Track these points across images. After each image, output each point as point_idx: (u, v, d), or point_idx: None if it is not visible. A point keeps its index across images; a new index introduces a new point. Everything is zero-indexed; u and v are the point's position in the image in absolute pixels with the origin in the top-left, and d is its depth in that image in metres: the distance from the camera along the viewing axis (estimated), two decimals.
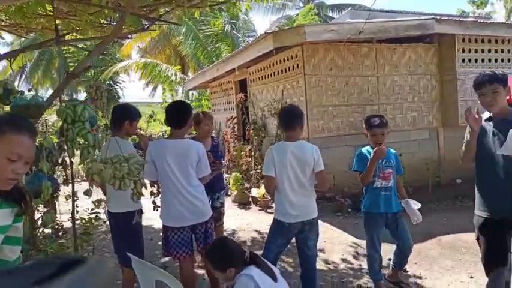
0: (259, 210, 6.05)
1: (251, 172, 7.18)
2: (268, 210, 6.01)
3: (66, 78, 2.93)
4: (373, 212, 3.15)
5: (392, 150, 3.28)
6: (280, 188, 2.80)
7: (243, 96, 7.66)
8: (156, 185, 3.51)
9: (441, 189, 6.79)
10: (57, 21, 4.33)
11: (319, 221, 5.23)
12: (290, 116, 2.87)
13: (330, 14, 21.05)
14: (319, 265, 3.87)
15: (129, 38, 5.21)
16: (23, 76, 25.48)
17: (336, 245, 4.40)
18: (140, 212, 2.97)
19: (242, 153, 7.55)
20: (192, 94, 15.14)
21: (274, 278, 2.21)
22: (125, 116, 2.96)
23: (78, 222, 3.94)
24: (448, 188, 6.77)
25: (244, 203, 6.49)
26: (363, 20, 6.85)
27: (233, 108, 9.58)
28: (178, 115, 2.83)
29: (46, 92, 34.91)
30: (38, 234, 3.18)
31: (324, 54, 6.50)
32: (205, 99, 14.14)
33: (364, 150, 3.19)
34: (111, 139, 2.93)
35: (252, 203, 6.54)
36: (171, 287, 2.12)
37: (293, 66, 6.70)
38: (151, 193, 3.60)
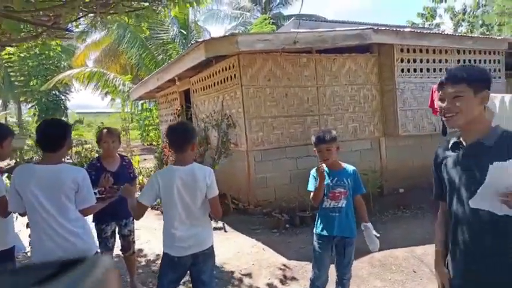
0: None
1: None
2: None
3: None
4: (320, 233, 2.92)
5: (350, 168, 3.00)
6: (166, 219, 2.49)
7: (178, 108, 7.30)
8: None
9: (383, 198, 6.73)
10: None
11: (253, 239, 5.05)
12: (177, 136, 2.54)
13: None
14: None
15: (11, 46, 4.74)
16: None
17: (264, 268, 4.13)
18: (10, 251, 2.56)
19: None
20: (142, 104, 14.58)
21: None
22: None
23: None
24: (390, 198, 6.72)
25: None
26: (305, 30, 6.75)
27: (177, 119, 9.20)
28: (50, 136, 2.39)
29: None
30: None
31: (262, 64, 6.30)
32: (157, 110, 13.64)
33: (314, 169, 2.94)
34: None
35: None
36: None
37: (231, 77, 6.45)
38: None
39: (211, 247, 2.59)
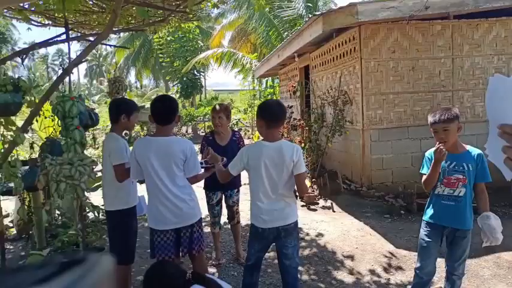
0: (302, 206, 5.70)
1: None
2: (312, 207, 5.62)
3: (61, 75, 3.02)
4: (427, 221, 2.65)
5: (475, 151, 2.57)
6: (253, 191, 2.52)
7: (294, 85, 7.25)
8: None
9: None
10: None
11: (361, 223, 4.78)
12: (276, 112, 2.51)
13: None
14: (341, 275, 3.47)
15: (142, 30, 5.22)
16: (130, 67, 28.28)
17: (367, 253, 3.89)
18: (131, 210, 2.96)
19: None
20: (266, 81, 15.05)
21: None
22: (121, 110, 2.92)
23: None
24: None
25: None
26: None
27: (298, 96, 9.20)
28: (162, 111, 2.65)
29: (149, 81, 38.52)
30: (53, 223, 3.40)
31: (386, 35, 5.76)
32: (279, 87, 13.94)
33: (430, 150, 2.64)
34: (107, 135, 2.95)
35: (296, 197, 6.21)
36: None
37: (350, 50, 6.09)
38: None
39: (295, 223, 2.54)
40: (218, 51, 14.59)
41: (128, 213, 2.97)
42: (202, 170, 2.85)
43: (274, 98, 12.80)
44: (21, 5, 3.91)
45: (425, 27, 5.78)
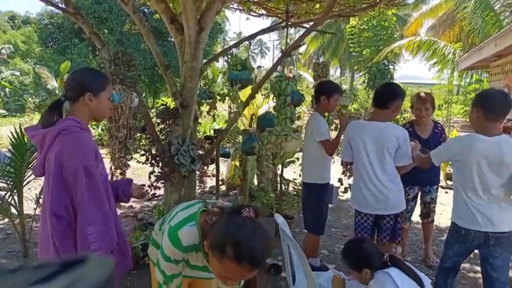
0: None
1: None
2: None
3: (280, 57, 3.37)
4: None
5: None
6: (461, 188, 2.28)
7: None
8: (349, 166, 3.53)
9: None
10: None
11: None
12: (500, 102, 2.19)
13: None
14: None
15: (354, 15, 5.16)
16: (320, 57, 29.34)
17: None
18: (325, 185, 3.16)
19: None
20: (472, 75, 13.11)
21: (420, 284, 1.91)
22: (322, 91, 3.12)
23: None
24: None
25: None
26: None
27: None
28: (382, 95, 2.68)
29: (334, 71, 39.11)
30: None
31: None
32: (488, 82, 11.95)
33: None
34: (311, 115, 3.22)
35: None
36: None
37: None
38: (343, 172, 3.64)
39: (509, 233, 2.19)
40: (416, 39, 13.51)
41: (322, 187, 3.19)
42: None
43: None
44: None
45: None
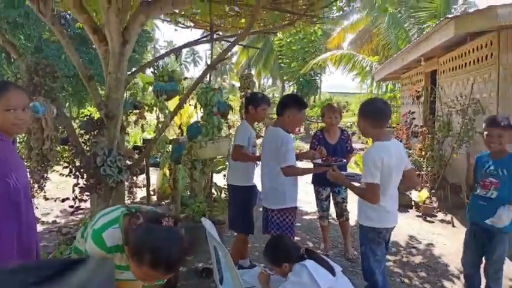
0: (417, 216, 5.48)
1: (421, 173, 6.49)
2: (428, 219, 5.39)
3: (205, 70, 3.53)
4: (469, 220, 2.93)
5: None
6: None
7: (418, 90, 6.92)
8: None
9: None
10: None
11: None
12: (384, 110, 2.48)
13: None
14: None
15: (273, 33, 5.54)
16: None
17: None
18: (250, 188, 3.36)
19: (411, 151, 6.88)
20: (386, 86, 14.46)
21: (333, 273, 2.16)
22: (249, 101, 3.34)
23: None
24: None
25: (402, 205, 5.96)
26: None
27: (421, 102, 8.70)
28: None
29: (266, 81, 40.25)
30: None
31: None
32: (400, 92, 13.27)
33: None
34: (240, 123, 3.41)
35: (412, 207, 5.97)
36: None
37: (486, 56, 5.59)
38: None
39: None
40: (337, 53, 14.59)
41: (247, 189, 3.37)
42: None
43: (396, 103, 12.27)
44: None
45: None
